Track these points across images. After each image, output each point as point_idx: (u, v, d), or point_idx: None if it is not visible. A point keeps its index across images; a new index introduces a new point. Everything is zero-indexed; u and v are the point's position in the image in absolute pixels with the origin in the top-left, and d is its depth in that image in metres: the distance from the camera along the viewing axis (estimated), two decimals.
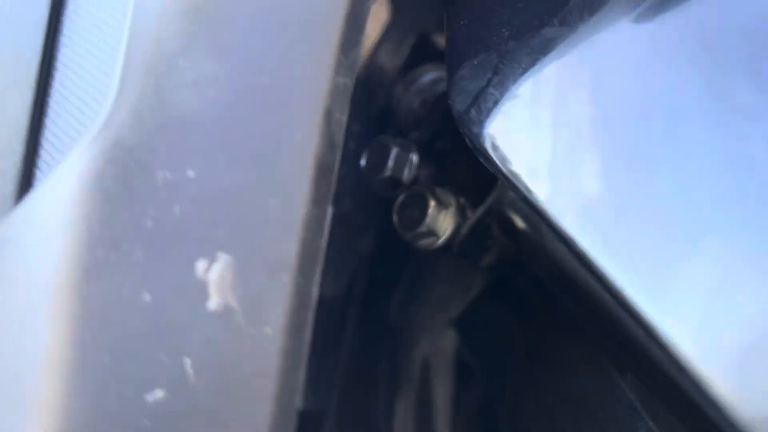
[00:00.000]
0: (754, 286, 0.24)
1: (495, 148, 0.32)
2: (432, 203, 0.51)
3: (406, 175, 0.54)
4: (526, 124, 0.32)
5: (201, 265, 0.28)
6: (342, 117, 0.33)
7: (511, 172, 0.31)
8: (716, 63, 0.28)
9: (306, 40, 0.32)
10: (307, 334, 0.29)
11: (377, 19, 0.70)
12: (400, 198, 0.52)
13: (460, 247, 0.54)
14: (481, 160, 0.34)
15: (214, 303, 0.28)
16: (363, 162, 0.54)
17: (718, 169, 0.26)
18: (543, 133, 0.31)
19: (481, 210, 0.52)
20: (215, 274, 0.28)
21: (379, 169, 0.53)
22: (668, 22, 0.31)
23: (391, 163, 0.53)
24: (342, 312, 0.72)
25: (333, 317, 0.70)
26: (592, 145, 0.29)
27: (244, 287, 0.29)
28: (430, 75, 0.66)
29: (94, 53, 0.32)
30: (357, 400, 0.70)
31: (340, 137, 0.32)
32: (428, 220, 0.51)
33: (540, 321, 0.66)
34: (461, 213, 0.53)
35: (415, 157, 0.55)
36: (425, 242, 0.51)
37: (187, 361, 0.27)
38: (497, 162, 0.32)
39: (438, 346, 0.77)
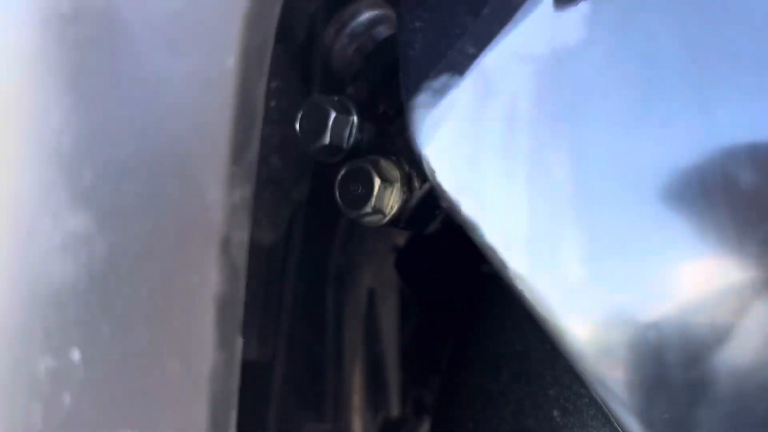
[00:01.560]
0: None
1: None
2: (377, 181, 0.48)
3: (346, 141, 0.50)
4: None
5: None
6: (243, 235, 0.29)
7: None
8: None
9: (187, 162, 0.28)
10: None
11: None
12: (342, 173, 0.48)
13: (407, 221, 0.52)
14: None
15: None
16: (297, 126, 0.49)
17: None
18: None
19: (428, 185, 0.49)
20: None
21: (317, 136, 0.48)
22: None
23: (329, 129, 0.48)
24: (282, 259, 0.70)
25: (273, 266, 0.69)
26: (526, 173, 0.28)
27: None
28: (365, 14, 0.59)
29: None
30: (305, 344, 0.71)
31: (242, 259, 0.29)
32: (374, 200, 0.48)
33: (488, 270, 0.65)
34: (408, 186, 0.50)
35: (355, 120, 0.50)
36: (371, 220, 0.48)
37: None
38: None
39: (383, 274, 0.77)
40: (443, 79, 0.33)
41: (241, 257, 0.29)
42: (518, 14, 0.32)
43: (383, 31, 0.56)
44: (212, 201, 0.28)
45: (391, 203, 0.49)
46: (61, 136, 0.25)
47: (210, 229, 0.28)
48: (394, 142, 0.50)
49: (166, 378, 0.27)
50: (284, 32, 0.62)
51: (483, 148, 0.32)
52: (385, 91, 0.51)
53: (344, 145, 0.49)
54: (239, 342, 0.29)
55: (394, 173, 0.48)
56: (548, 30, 0.31)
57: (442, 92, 0.33)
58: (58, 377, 0.25)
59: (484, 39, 0.32)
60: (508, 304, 0.60)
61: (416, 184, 0.49)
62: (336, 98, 0.50)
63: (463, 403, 0.63)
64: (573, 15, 0.31)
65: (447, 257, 0.69)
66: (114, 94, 0.26)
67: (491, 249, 0.31)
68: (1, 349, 0.25)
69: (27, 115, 0.25)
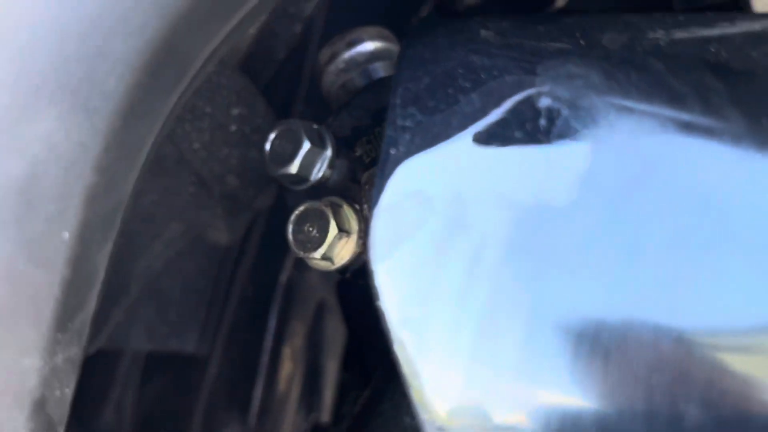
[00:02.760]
0: None
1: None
2: (333, 229, 0.46)
3: (314, 174, 0.48)
4: None
5: None
6: (65, 390, 0.30)
7: None
8: None
9: (9, 328, 0.28)
10: None
11: None
12: (299, 210, 0.46)
13: (354, 272, 0.50)
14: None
15: None
16: (267, 146, 0.47)
17: None
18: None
19: None
20: None
21: (285, 163, 0.46)
22: None
23: (299, 159, 0.46)
24: (235, 261, 0.72)
25: (225, 266, 0.71)
26: None
27: None
28: (367, 44, 0.54)
29: None
30: (244, 348, 0.73)
31: (61, 413, 0.30)
32: (326, 247, 0.46)
33: None
34: (365, 239, 0.48)
35: (329, 154, 0.48)
36: (317, 264, 0.47)
37: None
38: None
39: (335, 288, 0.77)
40: (419, 195, 0.31)
41: (60, 411, 0.30)
42: (512, 154, 0.30)
43: (380, 69, 0.53)
44: (28, 367, 0.28)
45: (342, 254, 0.47)
46: None
47: (22, 393, 0.28)
48: (361, 189, 0.48)
49: None
50: (254, 62, 0.60)
51: (437, 284, 0.30)
52: (367, 134, 0.49)
53: (311, 177, 0.47)
54: None
55: (353, 223, 0.46)
56: (537, 183, 0.30)
57: (414, 206, 0.31)
58: None
59: (470, 167, 0.30)
60: None
61: None
62: (315, 127, 0.47)
63: None
64: (567, 176, 0.29)
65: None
66: None
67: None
68: None
69: None
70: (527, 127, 0.30)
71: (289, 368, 0.76)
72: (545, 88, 0.30)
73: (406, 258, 0.29)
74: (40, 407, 0.29)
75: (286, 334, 0.76)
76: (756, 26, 0.34)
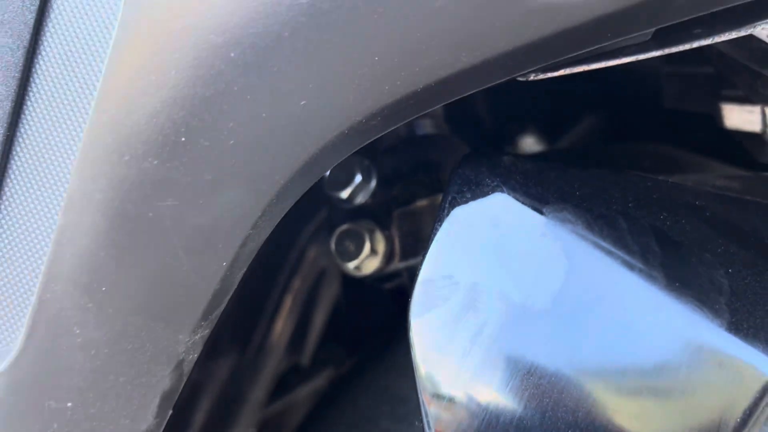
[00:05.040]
0: None
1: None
2: (367, 250, 0.64)
3: (358, 199, 0.65)
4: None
5: None
6: (196, 353, 0.47)
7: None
8: None
9: (173, 313, 0.45)
10: None
11: None
12: (343, 227, 0.64)
13: (373, 280, 0.69)
14: None
15: None
16: (327, 173, 0.64)
17: None
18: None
19: (403, 266, 0.65)
20: None
21: (339, 188, 0.63)
22: None
23: (351, 188, 0.63)
24: None
25: None
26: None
27: None
28: None
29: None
30: (253, 294, 0.90)
31: (189, 367, 0.48)
32: (358, 262, 0.64)
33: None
34: (388, 259, 0.66)
35: (372, 187, 0.65)
36: (348, 271, 0.65)
37: None
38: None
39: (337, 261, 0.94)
40: (450, 278, 0.47)
41: (187, 369, 0.47)
42: (517, 266, 0.47)
43: (422, 126, 0.69)
44: (180, 339, 0.46)
45: (369, 267, 0.66)
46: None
47: (172, 355, 0.46)
48: (392, 220, 0.66)
49: (114, 430, 0.46)
50: None
51: (450, 342, 0.46)
52: (405, 180, 0.66)
53: (355, 202, 0.65)
54: (169, 413, 0.48)
55: (381, 246, 0.65)
56: (527, 290, 0.47)
57: (445, 285, 0.47)
58: (54, 414, 0.44)
59: (487, 268, 0.47)
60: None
61: (395, 260, 0.66)
62: (366, 162, 0.64)
63: (348, 401, 0.84)
64: (546, 290, 0.46)
65: (385, 297, 0.87)
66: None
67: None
68: (22, 390, 0.43)
69: None
70: (529, 251, 0.47)
71: (286, 317, 0.94)
72: (547, 226, 0.47)
73: (433, 320, 0.47)
74: (179, 365, 0.46)
75: (289, 290, 0.93)
76: (696, 201, 0.52)
